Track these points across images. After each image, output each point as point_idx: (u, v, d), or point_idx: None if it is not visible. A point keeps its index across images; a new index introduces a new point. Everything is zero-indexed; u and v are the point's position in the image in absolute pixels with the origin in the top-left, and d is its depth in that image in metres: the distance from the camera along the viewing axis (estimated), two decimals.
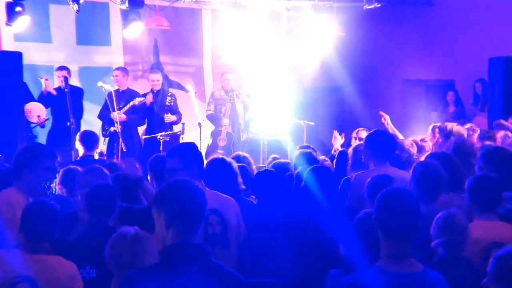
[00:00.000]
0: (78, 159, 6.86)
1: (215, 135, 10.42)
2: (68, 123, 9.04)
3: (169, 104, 9.86)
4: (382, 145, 5.27)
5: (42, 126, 9.10)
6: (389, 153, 5.30)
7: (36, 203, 3.84)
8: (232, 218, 4.27)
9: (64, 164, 6.31)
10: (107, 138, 9.79)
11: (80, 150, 6.97)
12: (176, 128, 9.97)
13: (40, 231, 3.70)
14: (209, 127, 10.65)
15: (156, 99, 9.88)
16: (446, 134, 6.84)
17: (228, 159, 5.08)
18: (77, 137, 7.12)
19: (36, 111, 8.79)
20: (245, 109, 10.67)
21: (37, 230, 3.69)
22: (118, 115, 9.38)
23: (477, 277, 3.37)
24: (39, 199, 3.96)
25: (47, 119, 9.02)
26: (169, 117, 9.84)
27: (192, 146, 4.44)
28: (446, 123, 7.16)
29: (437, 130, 7.11)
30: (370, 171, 5.24)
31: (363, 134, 8.16)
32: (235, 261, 4.24)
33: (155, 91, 9.96)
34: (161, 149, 9.37)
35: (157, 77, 10.07)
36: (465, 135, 6.87)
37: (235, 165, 4.95)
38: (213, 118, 10.41)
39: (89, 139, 7.00)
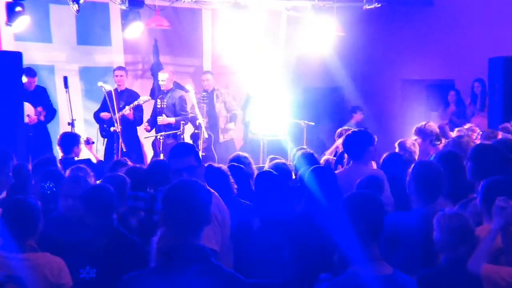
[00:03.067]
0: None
1: (194, 138, 10.27)
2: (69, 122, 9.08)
3: (160, 106, 9.85)
4: (356, 143, 5.55)
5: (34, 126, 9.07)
6: (363, 152, 5.49)
7: (16, 201, 3.85)
8: (226, 218, 4.28)
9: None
10: (106, 139, 9.80)
11: (59, 153, 7.00)
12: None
13: (23, 229, 3.72)
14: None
15: (164, 99, 9.92)
16: (431, 136, 6.84)
17: (216, 165, 5.11)
18: (57, 140, 7.14)
19: (25, 110, 8.78)
20: (228, 109, 10.56)
21: (20, 229, 3.71)
22: (126, 112, 9.41)
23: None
24: (18, 197, 3.97)
25: (38, 119, 8.99)
26: (162, 119, 9.82)
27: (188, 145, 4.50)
28: (424, 123, 7.12)
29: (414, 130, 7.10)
30: (346, 169, 5.59)
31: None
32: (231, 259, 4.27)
33: (165, 91, 9.99)
34: (161, 149, 9.39)
35: (162, 76, 10.09)
36: (417, 147, 6.85)
37: (224, 167, 5.00)
38: (194, 121, 10.24)
39: (67, 142, 7.02)
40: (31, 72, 9.29)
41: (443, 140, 6.94)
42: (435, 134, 6.90)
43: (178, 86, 10.54)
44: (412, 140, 6.79)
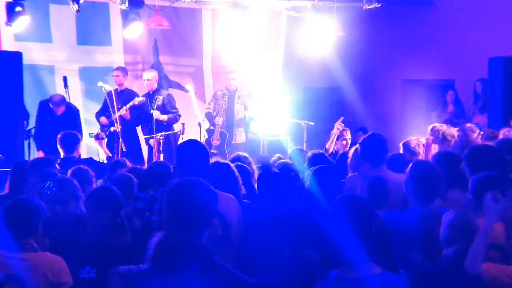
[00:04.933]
0: (58, 161, 6.83)
1: (209, 133, 10.37)
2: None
3: (159, 104, 9.80)
4: (377, 148, 5.29)
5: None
6: (383, 156, 5.31)
7: (18, 201, 3.86)
8: (233, 218, 4.30)
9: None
10: (106, 139, 9.78)
11: (61, 152, 6.98)
12: (176, 128, 9.98)
13: (24, 229, 3.73)
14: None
15: (152, 100, 9.88)
16: (441, 137, 6.84)
17: (231, 164, 5.10)
18: (57, 140, 7.07)
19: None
20: (245, 111, 10.58)
21: (20, 228, 3.73)
22: (122, 112, 9.39)
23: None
24: (20, 197, 3.98)
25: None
26: (157, 114, 9.76)
27: (200, 143, 4.55)
28: (437, 125, 7.11)
29: (428, 131, 7.10)
30: (360, 174, 5.31)
31: (348, 134, 8.18)
32: (235, 260, 4.27)
33: (151, 92, 9.97)
34: (160, 149, 9.39)
35: (147, 76, 10.06)
36: (456, 136, 6.87)
37: (236, 170, 5.00)
38: (210, 117, 10.32)
39: (68, 142, 6.98)
40: (54, 100, 9.02)
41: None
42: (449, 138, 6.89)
43: (178, 86, 10.53)
44: (417, 141, 6.78)
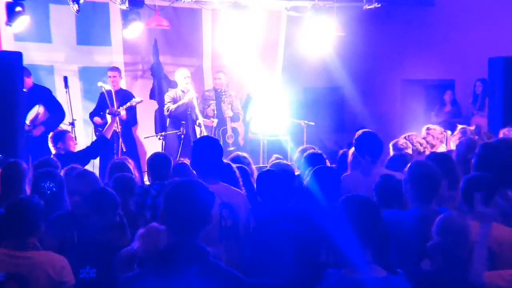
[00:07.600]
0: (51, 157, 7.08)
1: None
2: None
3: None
4: (372, 144, 5.32)
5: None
6: (377, 154, 5.32)
7: (19, 200, 3.88)
8: (242, 212, 4.31)
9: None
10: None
11: (52, 149, 7.34)
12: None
13: (26, 228, 3.74)
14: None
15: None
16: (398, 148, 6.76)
17: (233, 164, 5.11)
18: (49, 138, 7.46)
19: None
20: (233, 111, 10.53)
21: (23, 227, 3.74)
22: (119, 112, 9.39)
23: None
24: (22, 196, 4.00)
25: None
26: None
27: (215, 140, 4.60)
28: (398, 139, 7.02)
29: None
30: (357, 172, 5.33)
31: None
32: (244, 254, 4.29)
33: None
34: (161, 149, 9.39)
35: (187, 73, 10.16)
36: (409, 145, 6.82)
37: (237, 171, 5.01)
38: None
39: (57, 139, 7.35)
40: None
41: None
42: (415, 149, 6.85)
43: (177, 86, 10.50)
44: (404, 139, 6.78)
